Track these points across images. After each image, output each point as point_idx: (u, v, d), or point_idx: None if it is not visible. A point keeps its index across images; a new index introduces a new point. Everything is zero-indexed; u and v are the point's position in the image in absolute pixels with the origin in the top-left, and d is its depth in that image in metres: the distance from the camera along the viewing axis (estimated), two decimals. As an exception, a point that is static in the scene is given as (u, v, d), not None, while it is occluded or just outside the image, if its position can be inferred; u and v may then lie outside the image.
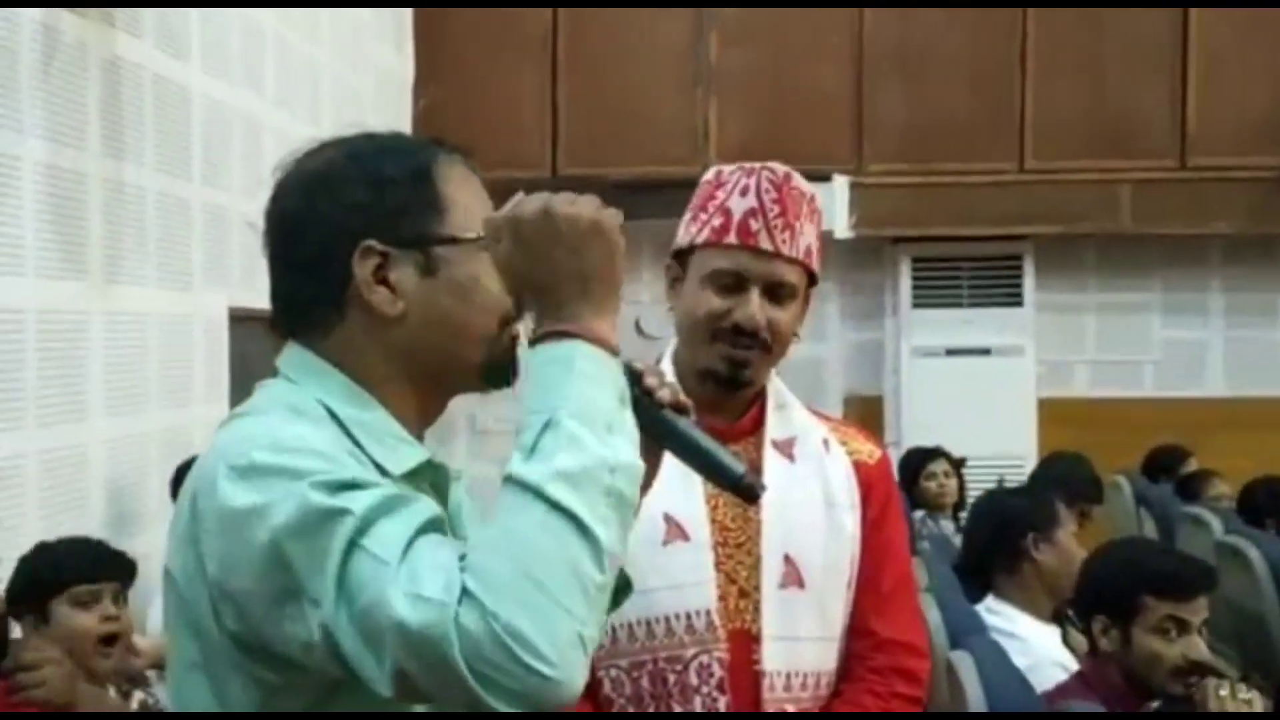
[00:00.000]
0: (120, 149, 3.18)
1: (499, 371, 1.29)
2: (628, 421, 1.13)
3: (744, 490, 1.28)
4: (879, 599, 1.79)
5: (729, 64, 6.14)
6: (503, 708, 1.03)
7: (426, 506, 1.13)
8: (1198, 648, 2.32)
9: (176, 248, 3.50)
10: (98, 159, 3.07)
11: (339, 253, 1.22)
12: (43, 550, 2.40)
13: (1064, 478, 4.38)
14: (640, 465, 1.12)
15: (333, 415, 1.21)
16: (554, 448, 1.07)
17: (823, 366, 6.49)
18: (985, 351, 6.30)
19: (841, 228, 6.02)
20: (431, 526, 1.10)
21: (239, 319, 3.88)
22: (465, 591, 1.03)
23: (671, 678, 1.70)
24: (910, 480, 5.17)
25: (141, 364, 3.30)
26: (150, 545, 2.98)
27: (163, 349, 3.41)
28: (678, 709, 1.70)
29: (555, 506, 1.05)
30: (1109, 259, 6.54)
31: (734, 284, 1.73)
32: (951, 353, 6.30)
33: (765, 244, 1.72)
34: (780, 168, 1.76)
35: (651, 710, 1.71)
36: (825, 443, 1.83)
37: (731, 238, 1.73)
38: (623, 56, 6.12)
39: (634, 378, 1.32)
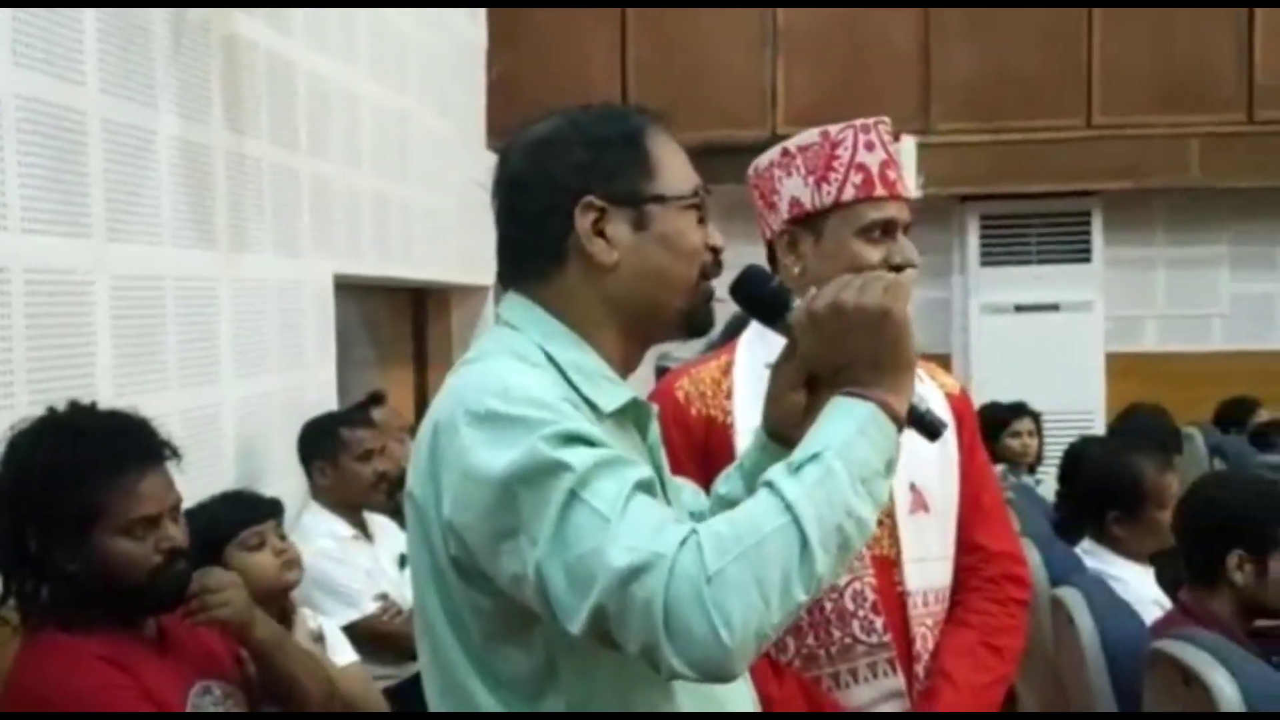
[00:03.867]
0: (239, 122, 3.31)
1: (697, 319, 1.42)
2: (882, 490, 1.24)
3: (927, 426, 1.38)
4: (982, 515, 1.97)
5: (796, 23, 6.19)
6: (675, 663, 1.13)
7: (640, 469, 1.23)
8: None
9: (288, 217, 3.64)
10: (221, 132, 3.20)
11: (561, 207, 1.36)
12: (201, 509, 2.54)
13: (1145, 428, 4.47)
14: (874, 530, 1.24)
15: (550, 359, 1.34)
16: (815, 477, 1.19)
17: (891, 324, 6.55)
18: (1054, 307, 6.38)
19: (910, 188, 6.05)
20: (644, 488, 1.21)
21: (342, 286, 4.03)
22: (696, 545, 1.14)
23: (828, 605, 1.82)
24: (991, 436, 5.24)
25: (262, 329, 3.45)
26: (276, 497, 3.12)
27: (279, 314, 3.55)
28: (837, 634, 1.84)
29: (795, 522, 1.16)
30: (1177, 214, 6.59)
31: (881, 233, 1.85)
32: (1020, 309, 6.39)
33: (903, 191, 1.87)
34: (884, 120, 1.89)
35: (811, 639, 1.84)
36: (919, 377, 1.95)
37: (879, 190, 1.85)
38: (692, 18, 6.18)
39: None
